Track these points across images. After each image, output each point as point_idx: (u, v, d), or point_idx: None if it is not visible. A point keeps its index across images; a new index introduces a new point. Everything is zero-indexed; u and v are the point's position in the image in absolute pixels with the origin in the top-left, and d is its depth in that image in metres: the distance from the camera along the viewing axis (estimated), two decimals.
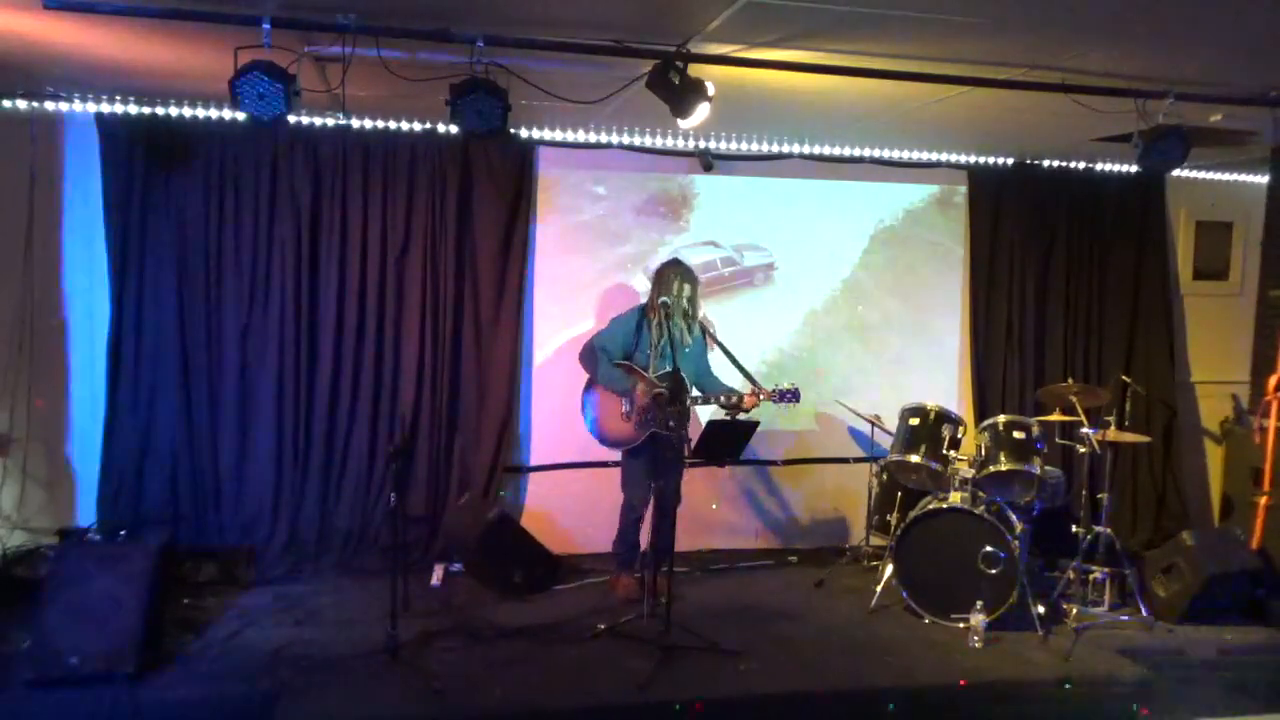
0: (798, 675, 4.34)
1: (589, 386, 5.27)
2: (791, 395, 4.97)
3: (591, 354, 5.27)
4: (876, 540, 5.91)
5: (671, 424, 4.60)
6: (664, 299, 5.02)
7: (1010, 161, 6.54)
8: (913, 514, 5.08)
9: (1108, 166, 6.61)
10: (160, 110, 5.33)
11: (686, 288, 5.11)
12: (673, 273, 5.16)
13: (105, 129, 5.33)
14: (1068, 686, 4.37)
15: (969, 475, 5.10)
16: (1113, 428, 5.24)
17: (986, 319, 6.56)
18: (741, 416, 5.00)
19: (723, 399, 5.03)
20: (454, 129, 3.98)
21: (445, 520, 5.75)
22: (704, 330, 5.29)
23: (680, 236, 6.22)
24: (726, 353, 5.09)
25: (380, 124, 5.60)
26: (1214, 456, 6.91)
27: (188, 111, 5.34)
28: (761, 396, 4.95)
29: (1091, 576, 5.17)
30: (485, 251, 5.84)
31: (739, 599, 5.35)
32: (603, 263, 6.12)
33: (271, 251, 5.55)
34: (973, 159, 6.51)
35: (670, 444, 4.69)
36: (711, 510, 6.30)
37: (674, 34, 3.83)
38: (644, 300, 5.35)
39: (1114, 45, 3.89)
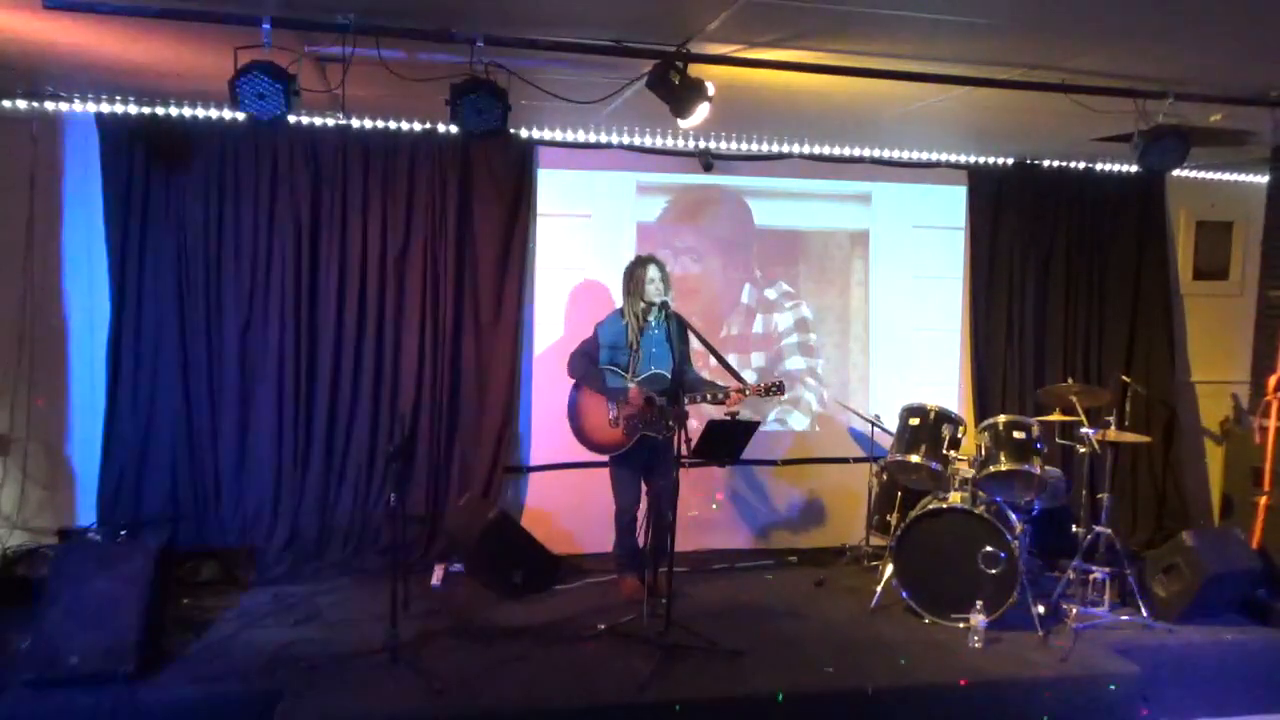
0: (798, 675, 4.34)
1: (575, 392, 5.21)
2: (777, 388, 4.94)
3: (576, 361, 5.18)
4: (876, 540, 5.90)
5: (670, 424, 4.58)
6: (664, 299, 5.01)
7: (1010, 161, 6.53)
8: (913, 514, 5.08)
9: (1108, 166, 6.61)
10: (160, 110, 5.33)
11: (657, 281, 5.04)
12: (640, 268, 5.08)
13: (105, 129, 5.33)
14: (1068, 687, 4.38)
15: (969, 475, 5.10)
16: (1113, 428, 5.24)
17: (986, 319, 6.55)
18: (741, 416, 4.99)
19: (709, 395, 4.98)
20: (454, 129, 3.98)
21: (445, 520, 5.75)
22: (686, 326, 5.11)
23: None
24: (712, 350, 4.95)
25: (380, 124, 5.60)
26: (1214, 456, 6.90)
27: (188, 111, 5.34)
28: (749, 392, 4.94)
29: (1091, 576, 5.17)
30: (485, 251, 5.84)
31: (739, 599, 5.35)
32: (602, 263, 6.12)
33: (271, 251, 5.56)
34: (973, 159, 6.51)
35: (662, 445, 4.66)
36: (712, 510, 6.30)
37: (674, 34, 3.83)
38: (621, 304, 5.25)
39: (1114, 45, 3.89)
